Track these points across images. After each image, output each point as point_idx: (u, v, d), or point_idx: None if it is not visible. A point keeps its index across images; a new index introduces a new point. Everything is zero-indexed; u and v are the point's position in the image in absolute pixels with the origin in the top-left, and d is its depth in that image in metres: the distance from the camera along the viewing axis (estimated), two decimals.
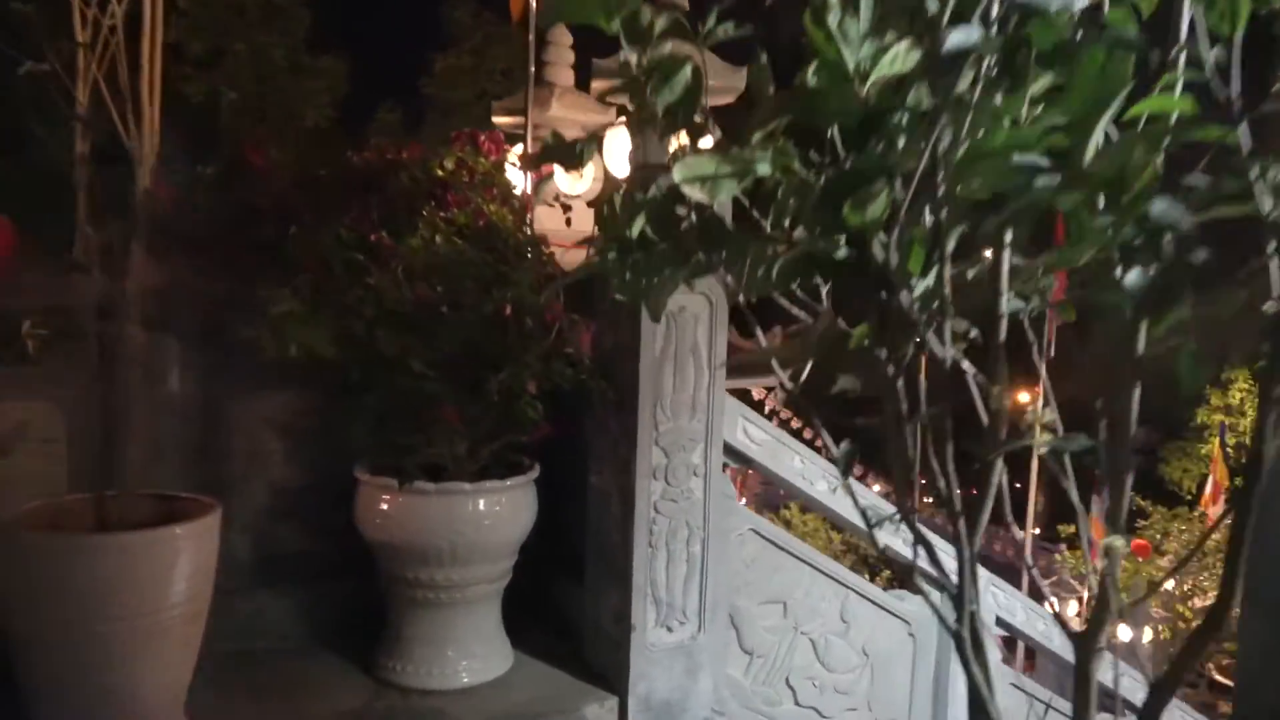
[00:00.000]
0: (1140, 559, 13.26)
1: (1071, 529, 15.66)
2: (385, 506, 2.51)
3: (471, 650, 2.60)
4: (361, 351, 2.34)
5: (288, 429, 2.88)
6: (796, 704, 3.06)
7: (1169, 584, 12.48)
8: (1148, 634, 12.04)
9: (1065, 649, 3.71)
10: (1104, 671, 0.99)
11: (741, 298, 0.97)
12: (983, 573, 3.44)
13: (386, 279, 2.25)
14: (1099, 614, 0.81)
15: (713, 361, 2.63)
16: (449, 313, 2.29)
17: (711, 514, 2.69)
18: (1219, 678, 11.62)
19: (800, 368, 0.85)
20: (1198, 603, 12.39)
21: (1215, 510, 10.16)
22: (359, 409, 2.45)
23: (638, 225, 0.94)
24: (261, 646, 2.72)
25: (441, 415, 2.36)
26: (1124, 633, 11.75)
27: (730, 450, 2.82)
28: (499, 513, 2.54)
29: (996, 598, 3.43)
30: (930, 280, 0.74)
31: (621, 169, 4.80)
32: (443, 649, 2.56)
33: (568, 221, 2.79)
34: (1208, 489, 11.42)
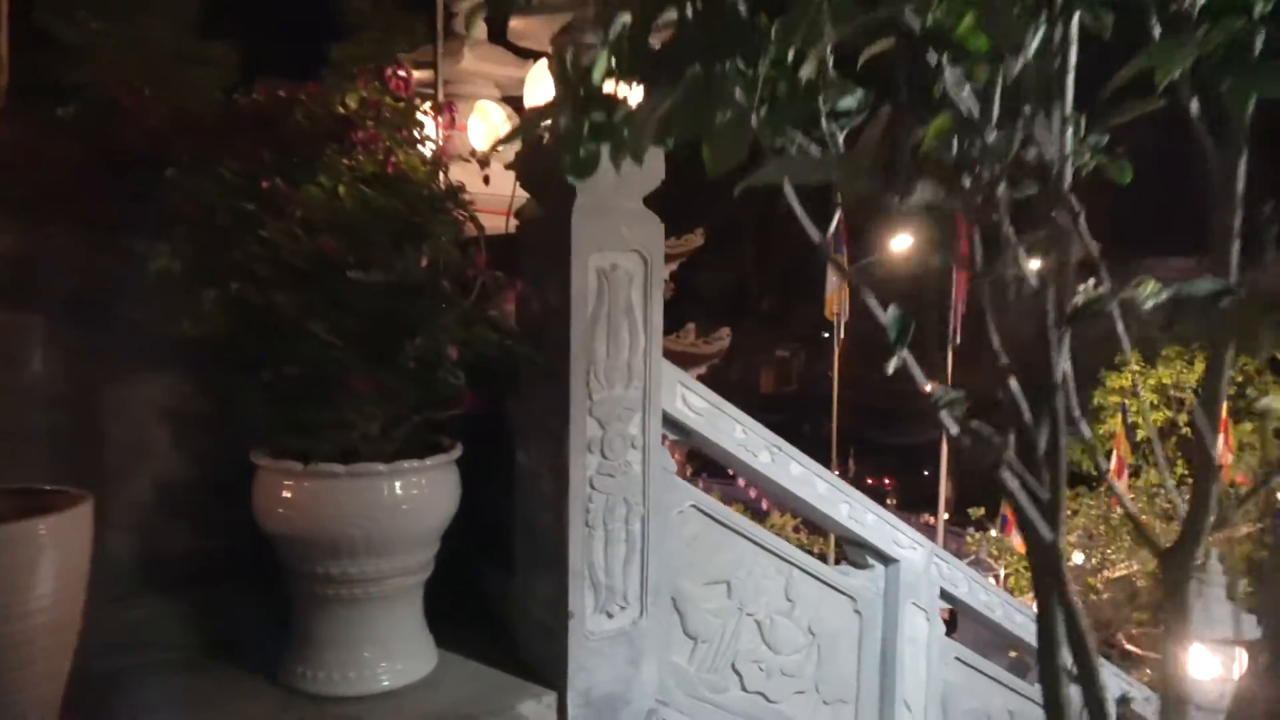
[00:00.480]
0: None
1: (981, 511, 16.09)
2: (288, 494, 2.23)
3: (391, 650, 2.35)
4: (256, 317, 2.07)
5: (174, 414, 2.56)
6: (743, 690, 2.89)
7: (1079, 558, 12.91)
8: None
9: (1007, 619, 3.65)
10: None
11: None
12: (926, 544, 3.35)
13: (282, 231, 1.98)
14: (1196, 523, 0.65)
15: (649, 324, 2.44)
16: (357, 270, 2.04)
17: (651, 489, 2.50)
18: (1130, 647, 12.03)
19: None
20: (1107, 575, 12.84)
21: (1122, 483, 10.55)
22: (255, 385, 2.17)
23: (600, 67, 0.74)
24: (149, 660, 2.40)
25: (352, 387, 2.10)
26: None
27: (669, 420, 2.63)
28: (418, 496, 2.29)
29: (940, 569, 3.34)
30: (1031, 53, 0.57)
31: None
32: (358, 650, 2.30)
33: (485, 179, 2.56)
34: (1112, 464, 11.86)
